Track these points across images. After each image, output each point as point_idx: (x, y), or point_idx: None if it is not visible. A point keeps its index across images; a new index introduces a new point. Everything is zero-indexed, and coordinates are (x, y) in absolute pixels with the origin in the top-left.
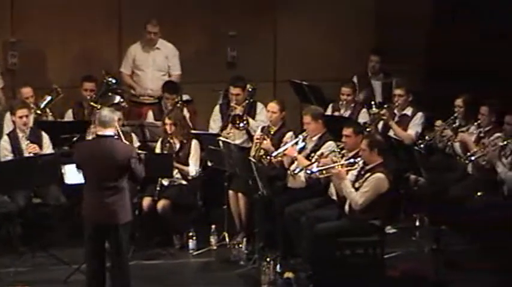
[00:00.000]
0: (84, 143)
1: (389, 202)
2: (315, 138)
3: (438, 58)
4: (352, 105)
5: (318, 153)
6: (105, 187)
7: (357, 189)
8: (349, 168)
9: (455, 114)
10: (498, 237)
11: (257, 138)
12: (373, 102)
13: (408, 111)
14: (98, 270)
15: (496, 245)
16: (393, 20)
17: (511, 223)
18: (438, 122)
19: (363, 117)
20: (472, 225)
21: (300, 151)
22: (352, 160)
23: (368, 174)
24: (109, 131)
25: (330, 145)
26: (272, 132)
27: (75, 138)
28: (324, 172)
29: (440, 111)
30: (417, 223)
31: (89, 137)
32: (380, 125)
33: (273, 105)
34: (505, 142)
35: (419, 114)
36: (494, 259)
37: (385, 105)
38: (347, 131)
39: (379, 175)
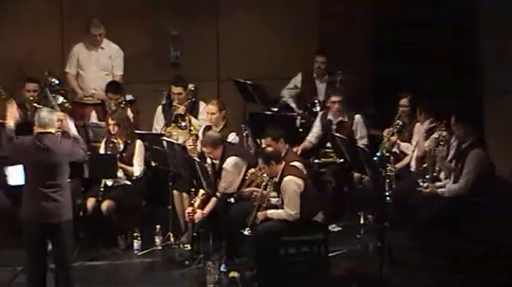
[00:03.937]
0: (22, 140)
1: (316, 195)
2: None
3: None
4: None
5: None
6: (46, 183)
7: (283, 202)
8: None
9: (398, 114)
10: (441, 233)
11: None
12: (316, 101)
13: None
14: (39, 272)
15: (439, 241)
16: (338, 19)
17: (454, 219)
18: (386, 131)
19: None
20: (415, 222)
21: None
22: None
23: (281, 185)
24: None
25: None
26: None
27: None
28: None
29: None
30: (361, 221)
31: None
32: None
33: (211, 107)
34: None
35: (357, 117)
36: (437, 256)
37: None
38: (266, 141)
39: (286, 179)
